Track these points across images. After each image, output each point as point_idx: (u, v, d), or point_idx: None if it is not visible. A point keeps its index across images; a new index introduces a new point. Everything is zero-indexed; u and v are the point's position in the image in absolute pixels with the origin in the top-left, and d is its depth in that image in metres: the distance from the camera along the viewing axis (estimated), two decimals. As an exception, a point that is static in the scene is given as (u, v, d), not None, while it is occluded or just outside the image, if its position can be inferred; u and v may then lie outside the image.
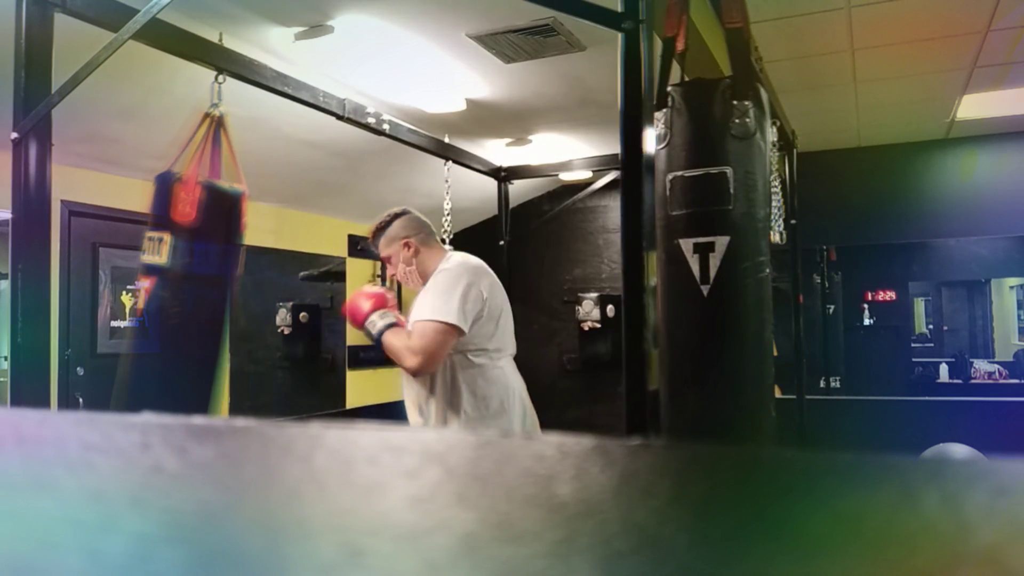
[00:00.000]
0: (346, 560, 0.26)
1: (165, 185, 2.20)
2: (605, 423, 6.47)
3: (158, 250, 2.17)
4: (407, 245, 2.52)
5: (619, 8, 1.49)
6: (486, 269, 2.51)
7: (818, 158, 5.58)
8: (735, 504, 0.32)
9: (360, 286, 6.43)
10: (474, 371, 2.40)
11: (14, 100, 1.87)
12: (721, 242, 2.25)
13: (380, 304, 2.44)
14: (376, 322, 2.38)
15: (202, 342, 2.31)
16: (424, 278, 2.48)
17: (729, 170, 2.26)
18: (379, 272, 6.42)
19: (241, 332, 5.21)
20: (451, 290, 2.33)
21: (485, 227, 6.22)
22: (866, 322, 6.22)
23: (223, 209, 2.24)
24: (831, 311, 6.17)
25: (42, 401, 1.88)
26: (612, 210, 6.72)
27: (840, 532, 0.28)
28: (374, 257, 6.69)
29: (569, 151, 5.27)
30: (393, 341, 2.35)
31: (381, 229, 2.56)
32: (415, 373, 2.34)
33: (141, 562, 0.27)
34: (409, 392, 2.51)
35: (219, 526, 0.31)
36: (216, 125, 2.31)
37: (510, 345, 2.57)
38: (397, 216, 2.57)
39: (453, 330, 2.29)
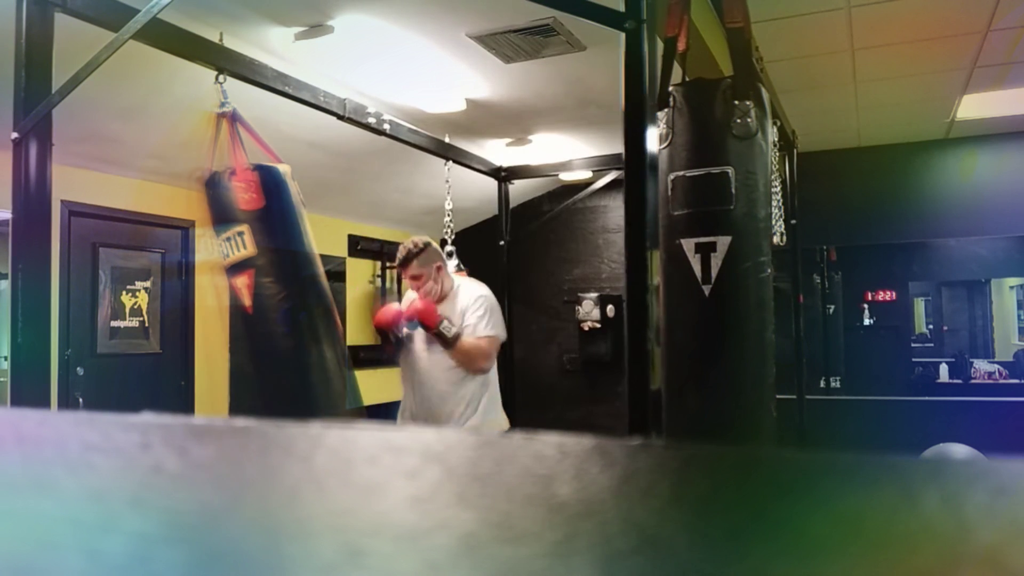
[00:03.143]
0: (346, 560, 0.26)
1: (217, 185, 2.27)
2: (605, 423, 6.47)
3: (242, 244, 2.25)
4: (439, 268, 3.08)
5: (620, 8, 1.49)
6: None
7: (818, 158, 5.58)
8: (735, 504, 0.32)
9: (360, 286, 6.41)
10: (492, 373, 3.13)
11: (14, 100, 1.87)
12: (723, 242, 2.25)
13: (437, 316, 2.98)
14: (450, 327, 2.95)
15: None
16: (443, 295, 3.06)
17: (730, 170, 2.26)
18: (379, 273, 6.43)
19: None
20: (497, 312, 3.08)
21: (485, 227, 6.22)
22: (866, 322, 6.22)
23: (278, 187, 2.33)
24: (831, 311, 6.17)
25: (42, 401, 1.88)
26: (612, 210, 6.72)
27: (840, 532, 0.28)
28: (373, 257, 6.67)
29: (569, 151, 5.26)
30: (469, 345, 2.96)
31: (416, 253, 3.05)
32: (481, 372, 3.01)
33: (141, 562, 0.27)
34: (434, 385, 3.05)
35: (219, 526, 0.31)
36: (231, 122, 2.34)
37: None
38: (428, 244, 3.10)
39: (500, 344, 3.09)
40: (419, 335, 3.06)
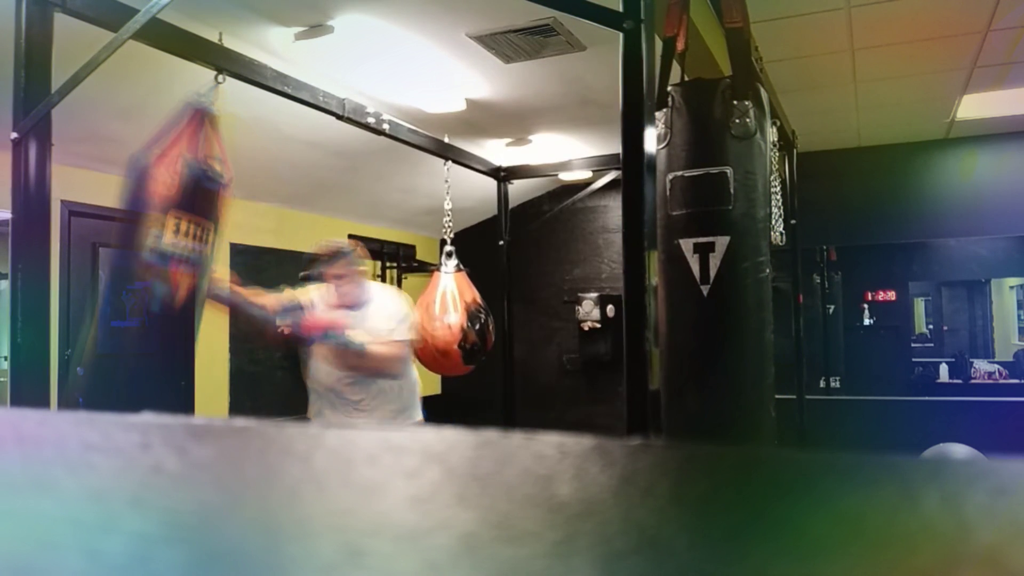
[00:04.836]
0: (346, 560, 0.26)
1: (203, 178, 2.25)
2: (605, 423, 6.47)
3: (204, 240, 2.24)
4: (361, 273, 3.11)
5: (619, 8, 1.49)
6: None
7: (818, 158, 5.58)
8: (735, 504, 0.32)
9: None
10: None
11: (14, 100, 1.87)
12: (721, 242, 2.25)
13: (343, 325, 2.99)
14: (355, 337, 2.94)
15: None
16: (358, 300, 3.08)
17: (729, 170, 2.26)
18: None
19: (241, 332, 5.21)
20: (409, 317, 3.17)
21: (485, 227, 6.22)
22: (866, 322, 6.22)
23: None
24: (831, 311, 6.17)
25: (42, 401, 1.88)
26: (612, 210, 6.72)
27: (840, 532, 0.28)
28: (373, 257, 6.64)
29: (569, 151, 5.26)
30: (380, 351, 2.98)
31: (344, 253, 3.07)
32: (393, 376, 3.05)
33: (141, 562, 0.27)
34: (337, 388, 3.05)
35: (219, 526, 0.31)
36: (201, 120, 2.31)
37: None
38: (356, 248, 3.12)
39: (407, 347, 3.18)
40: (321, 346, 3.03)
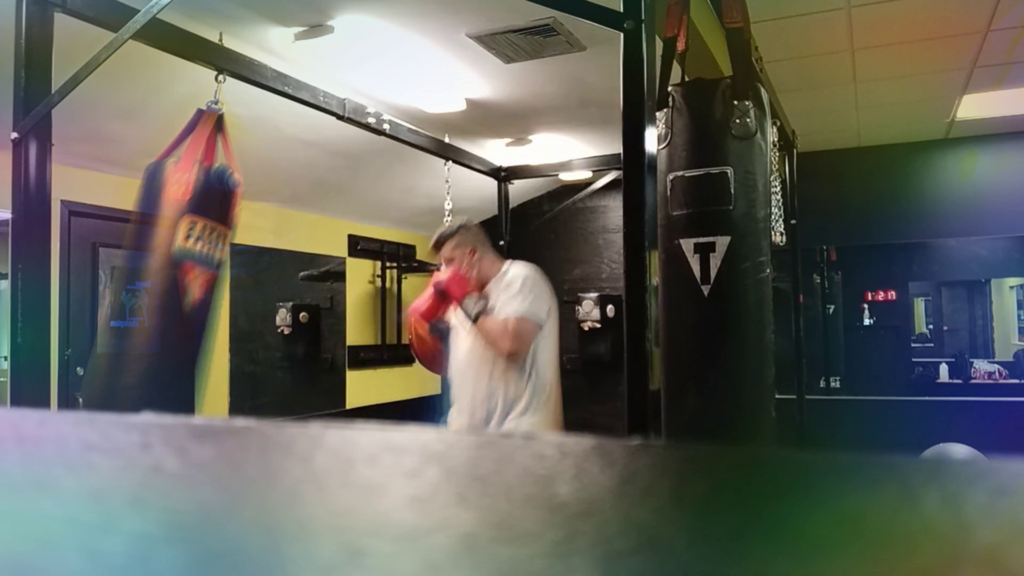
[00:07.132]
0: (346, 560, 0.26)
1: (220, 182, 2.29)
2: (605, 423, 6.47)
3: (220, 244, 2.29)
4: (472, 252, 2.91)
5: (619, 8, 1.49)
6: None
7: (818, 158, 5.58)
8: (735, 504, 0.32)
9: (360, 286, 6.38)
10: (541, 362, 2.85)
11: (14, 100, 1.87)
12: (722, 242, 2.25)
13: (467, 288, 2.80)
14: (472, 305, 2.76)
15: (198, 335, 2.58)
16: (482, 282, 2.88)
17: (730, 170, 2.26)
18: (379, 273, 6.43)
19: (241, 332, 5.21)
20: (537, 294, 2.82)
21: (485, 227, 6.21)
22: (866, 322, 6.22)
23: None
24: (831, 311, 6.17)
25: (42, 401, 1.88)
26: (612, 210, 6.72)
27: (840, 532, 0.28)
28: (373, 257, 6.63)
29: (569, 151, 5.26)
30: (491, 325, 2.74)
31: (449, 236, 2.90)
32: (508, 356, 2.73)
33: (141, 562, 0.27)
34: (475, 383, 2.81)
35: (219, 526, 0.31)
36: (214, 124, 2.34)
37: None
38: (462, 227, 2.94)
39: (537, 328, 2.78)
40: (460, 328, 2.87)
